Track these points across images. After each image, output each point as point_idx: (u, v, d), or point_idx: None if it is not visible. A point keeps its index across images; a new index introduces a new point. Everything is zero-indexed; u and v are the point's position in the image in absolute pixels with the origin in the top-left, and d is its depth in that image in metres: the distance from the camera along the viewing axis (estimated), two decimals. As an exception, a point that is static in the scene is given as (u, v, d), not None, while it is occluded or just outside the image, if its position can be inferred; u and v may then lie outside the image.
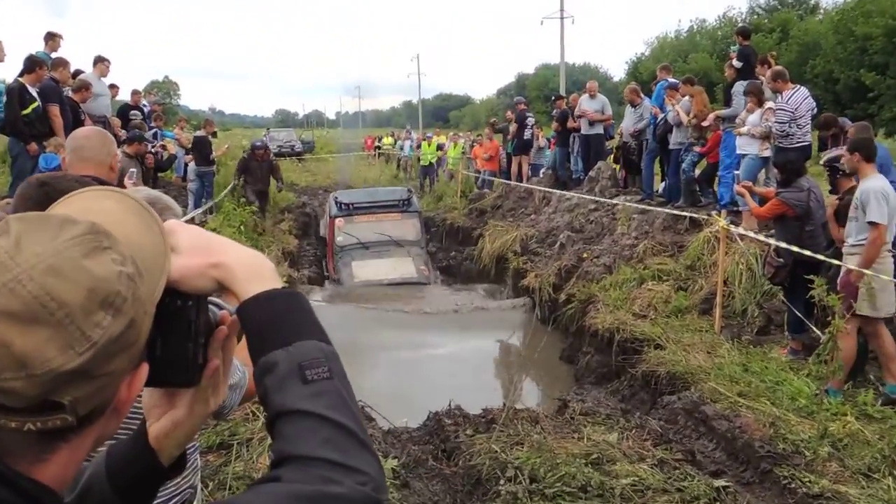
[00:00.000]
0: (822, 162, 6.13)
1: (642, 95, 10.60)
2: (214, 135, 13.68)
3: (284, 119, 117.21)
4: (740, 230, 7.00)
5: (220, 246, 0.78)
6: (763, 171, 7.97)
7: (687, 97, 9.12)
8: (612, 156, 12.25)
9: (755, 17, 37.38)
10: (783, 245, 5.74)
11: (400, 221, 11.96)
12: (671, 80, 10.02)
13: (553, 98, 15.28)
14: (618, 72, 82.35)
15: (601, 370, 6.94)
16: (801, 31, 29.67)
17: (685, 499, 3.84)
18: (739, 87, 8.27)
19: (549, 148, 14.39)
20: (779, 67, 7.82)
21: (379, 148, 31.62)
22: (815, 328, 5.66)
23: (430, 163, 19.54)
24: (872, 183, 5.01)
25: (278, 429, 0.70)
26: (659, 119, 9.69)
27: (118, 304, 0.64)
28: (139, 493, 0.85)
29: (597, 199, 10.40)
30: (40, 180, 1.59)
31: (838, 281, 5.13)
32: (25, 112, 7.05)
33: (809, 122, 7.49)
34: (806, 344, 5.76)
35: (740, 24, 25.60)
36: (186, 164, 12.28)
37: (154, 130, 11.88)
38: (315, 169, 26.96)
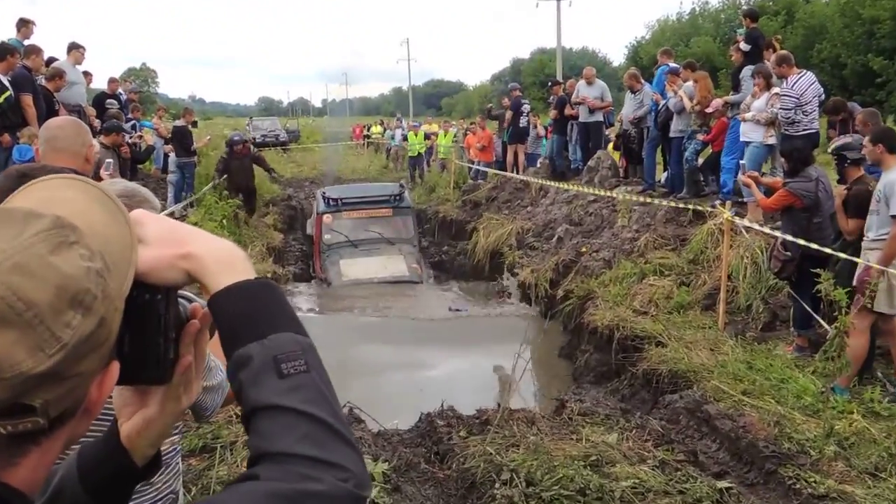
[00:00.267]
0: (830, 150, 5.96)
1: (642, 81, 10.35)
2: (195, 124, 13.26)
3: (268, 107, 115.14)
4: (745, 222, 6.83)
5: (189, 236, 0.76)
6: (769, 159, 7.79)
7: (690, 82, 8.90)
8: (611, 144, 12.03)
9: (760, -2, 36.93)
10: (790, 238, 5.58)
11: (391, 218, 11.57)
12: (672, 64, 9.80)
13: (549, 84, 14.87)
14: (617, 56, 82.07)
15: (600, 369, 6.83)
16: (806, 14, 29.27)
17: (687, 501, 3.79)
18: (747, 71, 8.04)
19: (546, 136, 14.09)
20: (784, 51, 7.61)
21: (368, 137, 30.93)
22: (823, 322, 5.53)
23: (419, 153, 19.25)
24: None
25: (254, 425, 0.68)
26: (660, 106, 9.48)
27: (88, 303, 0.62)
28: (112, 493, 0.84)
29: (596, 192, 10.16)
30: (20, 171, 1.57)
31: (856, 277, 4.97)
32: (-3, 102, 6.89)
33: (816, 108, 7.28)
34: (812, 340, 5.67)
35: (746, 6, 25.27)
36: (166, 156, 11.92)
37: (133, 122, 11.57)
38: (301, 159, 26.35)
